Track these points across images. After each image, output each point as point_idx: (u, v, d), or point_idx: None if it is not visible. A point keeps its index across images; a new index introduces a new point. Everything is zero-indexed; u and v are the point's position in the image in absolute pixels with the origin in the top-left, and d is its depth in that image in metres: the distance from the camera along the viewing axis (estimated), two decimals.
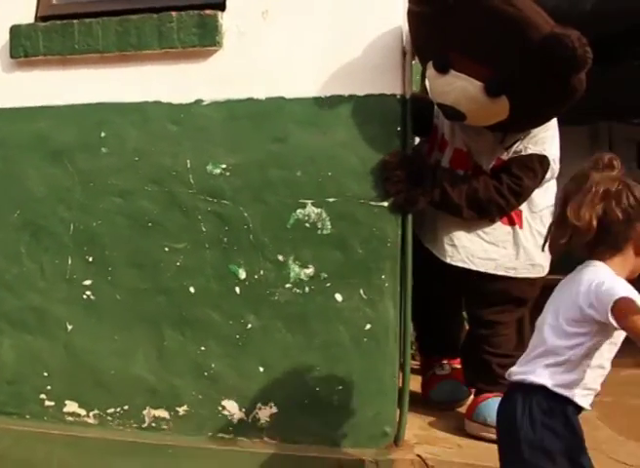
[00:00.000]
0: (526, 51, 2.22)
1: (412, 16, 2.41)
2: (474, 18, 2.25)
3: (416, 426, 2.76)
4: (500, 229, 2.65)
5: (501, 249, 2.65)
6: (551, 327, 1.77)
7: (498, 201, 2.54)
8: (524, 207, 2.66)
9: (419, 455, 2.45)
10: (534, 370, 1.79)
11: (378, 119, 2.44)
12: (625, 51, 6.12)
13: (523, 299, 2.76)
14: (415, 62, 2.76)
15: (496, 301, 2.71)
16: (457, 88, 2.36)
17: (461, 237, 2.64)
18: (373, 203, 2.43)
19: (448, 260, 2.65)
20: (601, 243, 1.70)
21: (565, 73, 2.24)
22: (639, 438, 3.81)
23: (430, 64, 2.43)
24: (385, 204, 2.43)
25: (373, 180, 2.43)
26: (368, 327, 2.47)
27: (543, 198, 2.71)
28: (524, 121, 2.51)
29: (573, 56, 2.16)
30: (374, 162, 2.43)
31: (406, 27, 2.46)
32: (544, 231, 2.68)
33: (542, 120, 2.56)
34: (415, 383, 3.17)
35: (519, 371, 1.86)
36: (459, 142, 2.67)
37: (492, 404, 2.63)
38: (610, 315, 1.58)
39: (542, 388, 1.72)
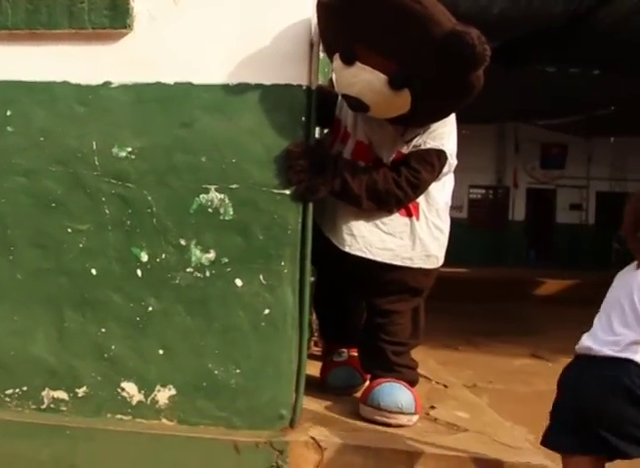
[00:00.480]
0: (428, 47, 2.31)
1: (321, 7, 2.47)
2: (380, 12, 2.33)
3: (312, 410, 2.84)
4: (397, 220, 2.74)
5: (398, 239, 2.73)
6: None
7: (396, 193, 2.63)
8: (421, 199, 2.75)
9: (312, 437, 2.53)
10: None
11: (283, 108, 2.49)
12: (530, 55, 6.37)
13: (418, 289, 2.86)
14: (324, 54, 2.83)
15: (392, 291, 2.81)
16: (362, 80, 2.43)
17: (360, 227, 2.72)
18: (275, 190, 2.49)
19: (346, 249, 2.72)
20: None
21: (464, 70, 2.35)
22: (525, 423, 4.03)
23: (337, 56, 2.49)
24: (287, 192, 2.48)
25: (276, 169, 2.48)
26: (267, 312, 2.53)
27: (441, 192, 2.82)
28: (424, 115, 2.60)
29: (472, 53, 2.26)
30: (278, 150, 2.48)
31: (315, 19, 2.51)
32: (440, 223, 2.82)
33: (442, 115, 2.65)
34: (317, 369, 3.27)
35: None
36: (361, 135, 2.74)
37: (385, 389, 2.74)
38: None
39: None
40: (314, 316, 3.66)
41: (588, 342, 2.36)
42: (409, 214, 2.74)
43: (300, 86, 2.49)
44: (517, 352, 6.69)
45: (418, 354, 4.72)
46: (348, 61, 2.44)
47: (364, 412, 2.77)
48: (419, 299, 2.91)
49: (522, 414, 4.23)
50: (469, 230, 20.90)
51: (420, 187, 2.68)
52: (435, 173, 2.70)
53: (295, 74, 2.49)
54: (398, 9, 2.29)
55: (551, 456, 3.41)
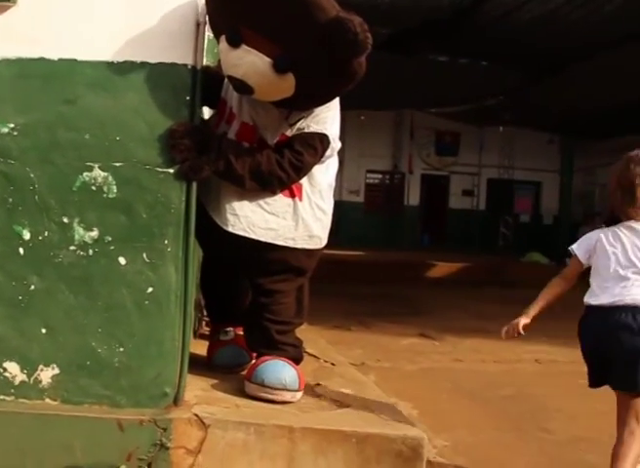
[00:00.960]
0: (312, 32, 2.36)
1: None
2: None
3: (198, 388, 2.87)
4: (280, 201, 2.78)
5: (281, 219, 2.78)
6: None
7: (279, 174, 2.67)
8: (305, 181, 2.81)
9: (196, 414, 2.55)
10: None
11: (168, 87, 2.49)
12: (422, 44, 6.55)
13: (301, 269, 2.91)
14: (211, 35, 2.83)
15: (275, 270, 2.85)
16: (247, 62, 2.46)
17: (243, 207, 2.75)
18: (158, 169, 2.48)
19: (229, 229, 2.75)
20: None
21: (347, 56, 2.41)
22: (409, 399, 4.19)
23: (223, 38, 2.51)
24: (171, 171, 2.49)
25: (159, 147, 2.48)
26: (150, 290, 2.53)
27: (324, 174, 2.89)
28: (307, 99, 2.65)
29: (354, 40, 2.33)
30: (162, 129, 2.48)
31: None
32: (323, 205, 2.88)
33: (325, 100, 2.71)
34: (205, 348, 3.30)
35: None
36: (246, 116, 2.77)
37: (269, 366, 2.79)
38: None
39: None
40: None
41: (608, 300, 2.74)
42: (292, 195, 2.79)
43: (185, 65, 2.49)
44: (406, 332, 6.91)
45: (309, 334, 4.83)
46: (234, 43, 2.46)
47: (249, 390, 2.81)
48: (302, 279, 2.96)
49: (407, 391, 4.40)
50: (366, 214, 21.30)
51: (302, 170, 2.73)
52: (318, 156, 2.76)
53: (180, 53, 2.49)
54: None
55: (434, 428, 3.60)
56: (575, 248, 2.95)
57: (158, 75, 2.49)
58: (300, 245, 2.82)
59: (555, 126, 12.22)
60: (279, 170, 2.66)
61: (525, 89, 8.68)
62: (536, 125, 12.47)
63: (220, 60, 2.95)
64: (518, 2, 5.29)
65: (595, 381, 2.83)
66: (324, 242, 2.94)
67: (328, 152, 2.81)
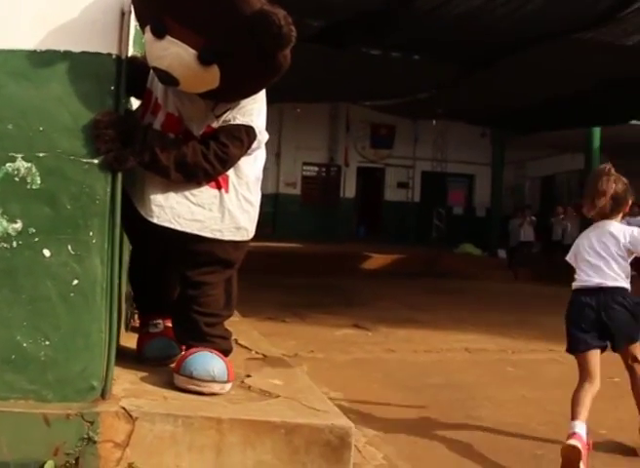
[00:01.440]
0: (236, 24, 2.36)
1: None
2: None
3: (127, 381, 2.84)
4: (206, 192, 2.77)
5: (207, 211, 2.77)
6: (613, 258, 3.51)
7: (204, 166, 2.66)
8: (231, 173, 2.80)
9: (123, 407, 2.53)
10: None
11: (92, 77, 2.44)
12: (355, 37, 6.59)
13: (229, 261, 2.91)
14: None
15: (202, 262, 2.84)
16: (171, 53, 2.44)
17: (169, 198, 2.73)
18: (83, 160, 2.44)
19: (155, 220, 2.72)
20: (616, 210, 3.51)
21: (271, 49, 2.42)
22: (340, 388, 4.24)
23: (148, 28, 2.49)
24: (95, 161, 2.45)
25: (84, 138, 2.43)
26: (75, 282, 2.49)
27: (252, 166, 2.88)
28: (233, 91, 2.64)
29: (278, 33, 2.34)
30: (86, 119, 2.43)
31: None
32: (251, 197, 2.89)
33: (250, 92, 2.71)
34: (134, 340, 3.27)
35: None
36: (171, 107, 2.75)
37: (198, 358, 2.79)
38: None
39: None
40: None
41: (587, 281, 3.58)
42: (218, 187, 2.78)
43: (109, 55, 2.45)
44: (340, 323, 6.97)
45: (242, 326, 4.84)
46: (158, 34, 2.44)
47: (178, 382, 2.80)
48: (230, 271, 2.96)
49: (338, 381, 4.44)
50: (303, 206, 21.35)
51: (228, 162, 2.73)
52: (244, 148, 2.76)
53: (104, 43, 2.45)
54: None
55: (365, 418, 3.65)
56: None
57: (82, 64, 2.45)
58: (226, 236, 2.81)
59: (487, 119, 12.44)
60: (204, 161, 2.65)
61: (457, 83, 8.81)
62: (468, 118, 12.67)
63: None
64: None
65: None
66: (251, 234, 2.94)
67: (254, 144, 2.81)
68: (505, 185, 19.73)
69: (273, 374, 3.32)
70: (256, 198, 2.93)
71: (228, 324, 3.16)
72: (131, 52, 2.81)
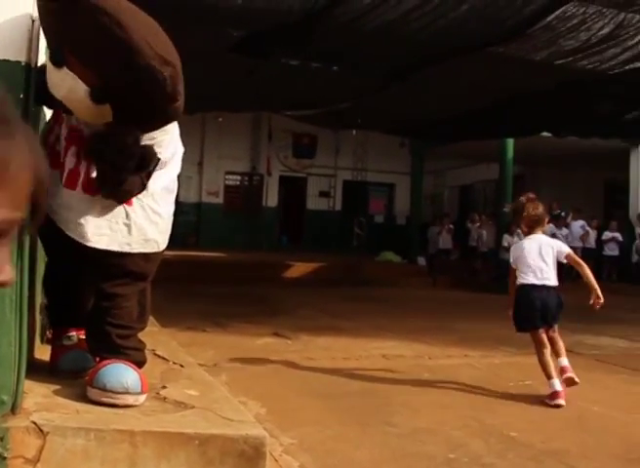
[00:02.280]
0: (128, 73, 2.36)
1: (40, 3, 2.42)
2: (87, 27, 2.32)
3: (39, 394, 2.79)
4: (112, 206, 2.76)
5: (114, 224, 2.76)
6: (547, 263, 4.83)
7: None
8: None
9: (34, 422, 2.48)
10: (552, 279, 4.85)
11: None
12: (274, 48, 6.63)
13: (140, 274, 2.89)
14: None
15: (113, 275, 2.82)
16: (67, 85, 2.43)
17: (78, 213, 2.71)
18: None
19: (68, 233, 2.70)
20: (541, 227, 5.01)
21: (157, 103, 2.44)
22: (258, 398, 4.24)
23: (48, 54, 2.46)
24: None
25: None
26: None
27: (158, 178, 2.85)
28: (128, 127, 2.62)
29: (162, 92, 2.37)
30: None
31: None
32: (158, 208, 2.87)
33: (146, 131, 2.66)
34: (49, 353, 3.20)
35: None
36: (74, 120, 2.71)
37: (111, 370, 2.75)
38: (563, 257, 4.90)
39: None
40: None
41: (534, 280, 4.82)
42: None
43: (18, 62, 2.42)
44: (261, 332, 6.97)
45: (161, 336, 4.79)
46: (57, 64, 2.42)
47: (91, 395, 2.76)
48: (143, 284, 2.94)
49: (257, 390, 4.44)
50: (226, 215, 21.23)
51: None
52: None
53: (13, 50, 2.42)
54: (101, 30, 2.29)
55: (282, 426, 3.66)
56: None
57: None
58: (135, 249, 2.79)
59: (405, 130, 12.66)
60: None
61: (375, 94, 8.94)
62: (387, 129, 12.87)
63: None
64: (366, 9, 5.47)
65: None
66: (162, 245, 2.92)
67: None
68: (425, 194, 20.10)
69: (189, 385, 3.30)
70: (165, 209, 2.91)
71: (147, 334, 3.13)
72: (42, 60, 2.77)
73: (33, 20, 2.47)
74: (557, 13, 6.10)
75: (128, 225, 2.76)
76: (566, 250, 4.93)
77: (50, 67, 2.46)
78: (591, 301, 4.71)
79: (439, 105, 9.83)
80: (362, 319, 8.54)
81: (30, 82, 2.45)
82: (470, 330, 7.78)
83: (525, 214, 4.92)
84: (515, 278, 4.92)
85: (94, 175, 2.66)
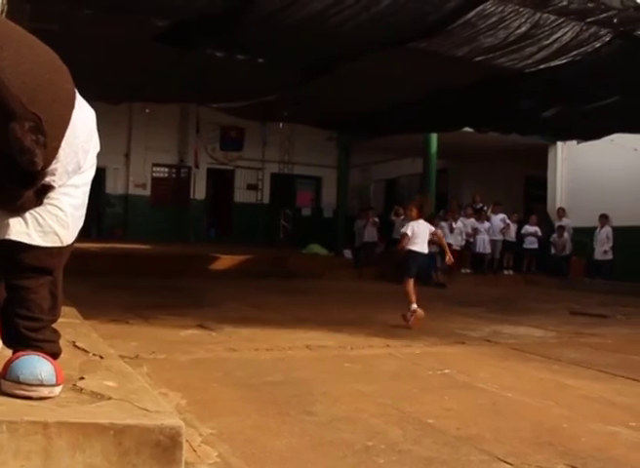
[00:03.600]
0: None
1: None
2: None
3: None
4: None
5: (14, 216, 2.72)
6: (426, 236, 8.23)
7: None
8: None
9: None
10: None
11: None
12: (199, 38, 6.59)
13: (43, 268, 2.82)
14: None
15: (15, 267, 2.77)
16: None
17: None
18: None
19: None
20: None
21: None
22: (179, 389, 4.23)
23: None
24: None
25: None
26: None
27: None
28: None
29: (20, 148, 2.36)
30: None
31: None
32: (58, 202, 2.81)
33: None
34: None
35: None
36: None
37: (24, 362, 2.71)
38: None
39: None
40: None
41: (419, 248, 8.00)
42: None
43: None
44: (185, 324, 6.93)
45: (82, 328, 4.73)
46: None
47: (5, 387, 2.71)
48: (49, 277, 2.88)
49: (178, 381, 4.43)
50: (153, 208, 20.99)
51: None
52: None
53: None
54: None
55: (201, 417, 3.67)
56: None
57: None
58: (35, 242, 2.75)
59: (332, 124, 12.75)
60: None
61: (302, 86, 8.99)
62: (314, 122, 12.94)
63: None
64: (286, 2, 5.50)
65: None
66: (66, 239, 2.86)
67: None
68: (351, 187, 20.29)
69: (108, 376, 3.28)
70: (67, 201, 2.86)
71: (68, 326, 3.09)
72: None
73: None
74: (477, 10, 6.28)
75: (24, 216, 2.72)
76: (434, 229, 8.52)
77: None
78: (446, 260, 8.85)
79: (364, 99, 9.95)
80: (287, 311, 8.59)
81: None
82: (392, 321, 7.92)
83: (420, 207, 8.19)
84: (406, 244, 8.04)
85: None
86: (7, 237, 2.68)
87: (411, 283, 7.86)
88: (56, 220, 2.80)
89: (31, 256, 2.74)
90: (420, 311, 7.63)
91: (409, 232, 8.01)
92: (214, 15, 5.80)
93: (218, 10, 5.59)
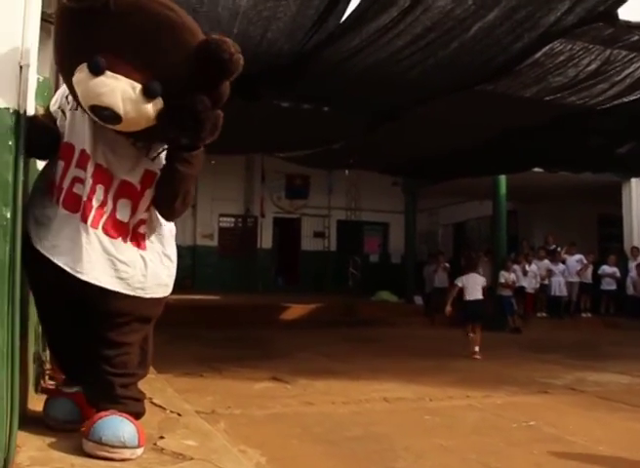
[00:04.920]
0: (184, 54, 2.38)
1: (64, 15, 2.42)
2: (134, 19, 2.34)
3: (33, 448, 2.71)
4: (130, 250, 2.71)
5: (132, 269, 2.71)
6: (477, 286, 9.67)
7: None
8: (147, 228, 2.76)
9: None
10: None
11: None
12: (265, 90, 6.65)
13: (149, 318, 2.84)
14: (42, 78, 2.73)
15: (123, 321, 2.75)
16: (114, 89, 2.39)
17: (92, 255, 2.64)
18: None
19: (81, 277, 2.61)
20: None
21: (219, 76, 2.45)
22: (257, 445, 4.13)
23: (83, 66, 2.42)
24: None
25: None
26: None
27: (166, 223, 2.85)
28: (172, 127, 2.58)
29: (229, 59, 2.39)
30: None
31: (25, 41, 2.43)
32: (167, 251, 2.84)
33: (190, 127, 2.66)
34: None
35: None
36: (100, 158, 2.66)
37: (107, 422, 2.67)
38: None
39: None
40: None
41: (472, 297, 9.22)
42: (138, 244, 2.73)
43: (7, 109, 2.38)
44: (258, 376, 6.86)
45: (157, 383, 4.70)
46: (97, 71, 2.38)
47: (87, 448, 2.68)
48: (148, 328, 2.89)
49: (256, 437, 4.34)
50: (220, 258, 21.15)
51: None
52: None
53: (2, 97, 2.38)
54: (151, 16, 2.33)
55: None
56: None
57: None
58: (149, 294, 2.75)
59: (398, 169, 12.68)
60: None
61: (367, 134, 8.97)
62: (380, 168, 12.90)
63: (47, 107, 2.85)
64: (355, 49, 5.50)
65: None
66: (170, 289, 2.88)
67: None
68: (419, 232, 20.08)
69: (187, 435, 3.23)
70: (172, 252, 2.89)
71: (143, 381, 3.05)
72: (33, 105, 2.74)
73: (21, 67, 2.43)
74: (545, 50, 6.15)
75: (144, 270, 2.73)
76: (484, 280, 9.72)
77: (85, 79, 2.42)
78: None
79: (430, 143, 9.85)
80: (360, 360, 8.43)
81: (21, 128, 2.40)
82: (470, 369, 7.68)
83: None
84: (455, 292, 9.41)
85: (119, 215, 2.66)
86: (124, 291, 2.68)
87: (470, 328, 9.19)
88: (167, 272, 2.81)
89: (143, 307, 2.76)
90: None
91: (459, 284, 9.38)
92: (280, 66, 5.84)
93: (284, 62, 5.63)
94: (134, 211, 2.70)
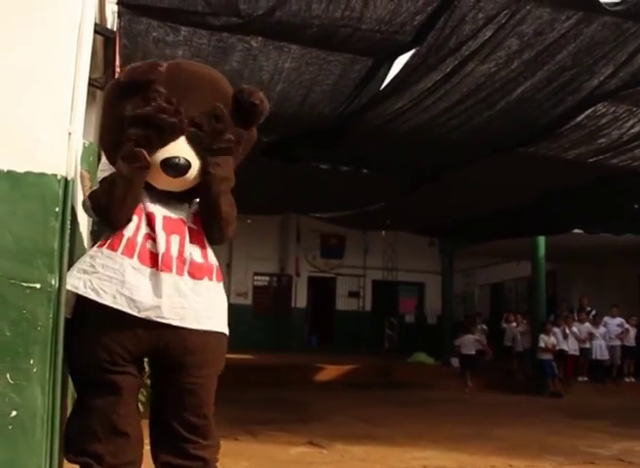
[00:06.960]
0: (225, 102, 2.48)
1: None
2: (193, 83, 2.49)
3: None
4: (217, 285, 2.70)
5: (221, 304, 2.69)
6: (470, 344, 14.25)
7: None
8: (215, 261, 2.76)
9: None
10: None
11: (36, 198, 2.35)
12: (304, 152, 6.71)
13: (223, 357, 2.81)
14: (88, 142, 2.75)
15: (211, 363, 2.71)
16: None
17: (188, 297, 2.56)
18: (24, 284, 2.31)
19: (177, 323, 2.51)
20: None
21: (251, 120, 2.53)
22: None
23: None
24: (37, 286, 2.33)
25: (26, 260, 2.33)
26: (14, 414, 2.31)
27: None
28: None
29: (261, 104, 2.50)
30: (28, 242, 2.33)
31: (74, 108, 2.45)
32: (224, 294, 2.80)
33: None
34: None
35: None
36: (161, 211, 2.62)
37: None
38: None
39: None
40: None
41: (467, 351, 14.03)
42: (218, 278, 2.72)
43: (54, 175, 2.39)
44: (294, 440, 6.72)
45: None
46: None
47: None
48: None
49: None
50: (254, 317, 21.11)
51: None
52: None
53: (50, 163, 2.39)
54: (203, 78, 2.53)
55: None
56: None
57: (26, 185, 2.36)
58: (227, 330, 2.74)
59: (434, 230, 12.66)
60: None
61: (404, 195, 8.97)
62: (416, 229, 12.88)
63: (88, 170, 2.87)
64: (397, 112, 5.54)
65: None
66: None
67: None
68: (455, 293, 19.88)
69: None
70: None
71: None
72: (79, 171, 2.76)
73: (70, 133, 2.46)
74: (588, 112, 6.12)
75: (224, 305, 2.74)
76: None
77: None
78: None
79: (468, 205, 9.82)
80: (397, 425, 8.24)
81: (67, 194, 2.41)
82: (511, 436, 7.45)
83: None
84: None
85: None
86: (218, 329, 2.67)
87: (468, 374, 13.50)
88: (225, 309, 2.77)
89: (225, 344, 2.72)
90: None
91: (457, 343, 13.73)
92: (320, 129, 5.89)
93: (325, 125, 5.68)
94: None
